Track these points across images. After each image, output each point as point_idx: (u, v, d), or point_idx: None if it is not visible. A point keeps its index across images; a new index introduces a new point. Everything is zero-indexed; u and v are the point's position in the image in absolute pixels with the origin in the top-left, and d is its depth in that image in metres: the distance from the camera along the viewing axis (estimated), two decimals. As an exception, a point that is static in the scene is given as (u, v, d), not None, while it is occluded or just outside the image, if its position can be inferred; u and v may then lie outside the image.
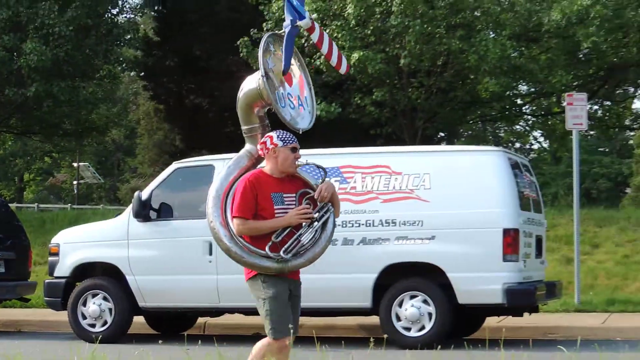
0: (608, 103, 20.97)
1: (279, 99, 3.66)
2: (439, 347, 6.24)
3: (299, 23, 3.63)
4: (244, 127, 3.73)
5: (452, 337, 7.56)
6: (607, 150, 31.16)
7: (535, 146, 23.18)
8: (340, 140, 10.98)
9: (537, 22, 15.26)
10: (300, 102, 3.92)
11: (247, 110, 3.71)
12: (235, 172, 3.65)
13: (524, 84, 17.95)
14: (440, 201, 7.38)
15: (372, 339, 4.91)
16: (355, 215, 7.40)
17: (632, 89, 20.25)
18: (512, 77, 16.33)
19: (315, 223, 3.48)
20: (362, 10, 13.44)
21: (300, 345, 4.91)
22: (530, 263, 7.68)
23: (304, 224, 3.38)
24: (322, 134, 11.85)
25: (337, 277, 7.51)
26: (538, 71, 16.04)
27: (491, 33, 14.51)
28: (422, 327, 7.27)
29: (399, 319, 7.32)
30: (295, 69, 3.94)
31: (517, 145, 20.94)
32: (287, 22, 3.63)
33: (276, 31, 4.19)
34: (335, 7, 13.97)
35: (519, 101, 18.85)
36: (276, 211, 3.41)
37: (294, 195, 3.52)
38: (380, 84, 14.47)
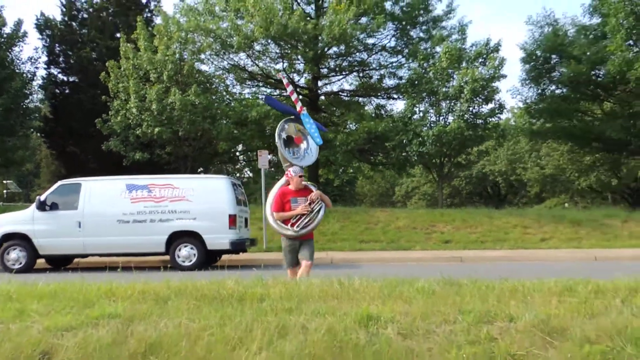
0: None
1: (293, 152, 6.81)
2: (202, 270, 11.18)
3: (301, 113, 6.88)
4: (283, 165, 6.70)
5: (207, 265, 12.53)
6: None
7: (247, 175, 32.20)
8: (149, 172, 16.72)
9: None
10: (305, 152, 6.94)
11: (283, 158, 6.73)
12: (278, 187, 6.67)
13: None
14: (199, 201, 12.48)
15: (166, 267, 10.67)
16: (157, 208, 12.42)
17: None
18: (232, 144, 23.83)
19: (312, 213, 6.37)
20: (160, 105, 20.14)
21: (135, 270, 10.52)
22: (242, 230, 13.15)
23: (305, 213, 6.37)
24: (139, 169, 19.32)
25: (150, 237, 12.31)
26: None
27: (224, 121, 21.78)
28: (191, 261, 12.33)
29: (179, 257, 12.33)
30: (300, 135, 6.92)
31: (237, 174, 29.88)
32: (292, 114, 7.04)
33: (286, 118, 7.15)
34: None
35: (237, 154, 26.74)
36: (292, 207, 6.39)
37: (303, 198, 6.44)
38: (169, 144, 21.39)
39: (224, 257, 13.79)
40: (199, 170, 25.60)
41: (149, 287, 5.36)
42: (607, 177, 40.48)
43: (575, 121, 26.29)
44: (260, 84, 26.01)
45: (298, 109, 7.02)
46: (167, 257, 12.58)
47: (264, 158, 16.76)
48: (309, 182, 6.77)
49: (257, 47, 23.37)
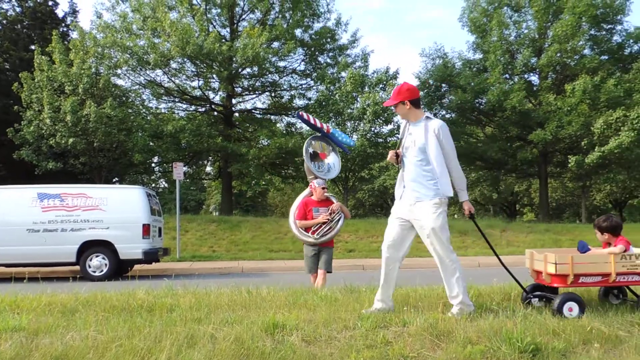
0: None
1: (318, 166, 6.69)
2: (113, 280, 10.81)
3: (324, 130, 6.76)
4: (308, 177, 6.58)
5: (118, 275, 11.87)
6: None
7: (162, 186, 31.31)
8: (62, 181, 15.34)
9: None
10: (329, 167, 6.87)
11: (308, 170, 6.56)
12: (302, 197, 6.66)
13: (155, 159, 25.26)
14: (113, 211, 11.78)
15: (75, 277, 10.04)
16: (69, 218, 11.62)
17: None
18: (148, 156, 22.97)
19: (332, 222, 6.35)
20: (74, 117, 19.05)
21: (42, 280, 9.83)
22: (155, 240, 12.50)
23: (325, 222, 6.36)
24: (52, 179, 17.89)
25: (61, 247, 11.49)
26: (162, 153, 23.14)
27: (140, 133, 21.06)
28: (102, 271, 11.60)
29: (90, 267, 11.59)
30: (325, 152, 6.86)
31: (152, 185, 29.07)
32: (319, 132, 6.77)
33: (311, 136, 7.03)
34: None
35: (153, 165, 25.84)
36: (314, 216, 6.42)
37: (325, 209, 6.49)
38: (83, 154, 20.17)
39: (136, 266, 13.18)
40: (114, 180, 24.46)
41: (55, 299, 5.00)
42: (489, 191, 43.02)
43: (462, 142, 27.68)
44: (177, 100, 25.35)
45: (325, 129, 6.96)
46: (77, 268, 11.85)
47: (179, 169, 16.31)
48: (330, 194, 6.75)
49: (174, 65, 22.83)
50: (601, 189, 39.20)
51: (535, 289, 4.92)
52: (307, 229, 6.43)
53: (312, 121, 6.86)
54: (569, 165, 23.13)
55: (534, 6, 24.26)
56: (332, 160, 7.03)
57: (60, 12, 28.61)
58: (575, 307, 4.39)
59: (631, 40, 26.02)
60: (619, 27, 25.48)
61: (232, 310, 4.75)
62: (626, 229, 19.45)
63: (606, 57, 25.33)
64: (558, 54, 23.61)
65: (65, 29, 27.20)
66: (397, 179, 4.71)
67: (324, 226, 6.37)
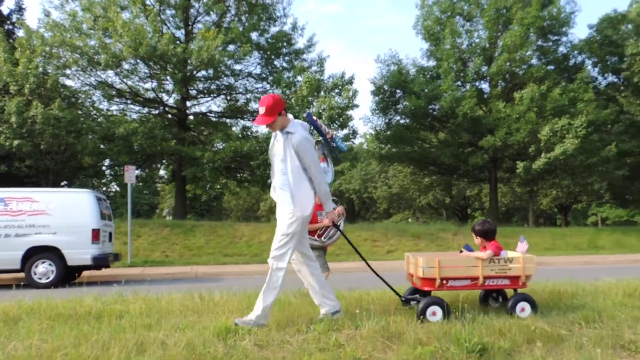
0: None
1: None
2: (59, 287, 10.35)
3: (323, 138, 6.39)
4: None
5: (65, 282, 11.42)
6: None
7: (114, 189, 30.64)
8: (6, 185, 14.91)
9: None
10: (325, 171, 5.94)
11: None
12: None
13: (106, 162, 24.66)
14: (61, 215, 11.30)
15: (19, 285, 9.63)
16: (13, 223, 11.09)
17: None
18: (98, 159, 22.45)
19: (337, 225, 5.93)
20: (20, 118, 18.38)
21: None
22: (105, 245, 12.11)
23: (330, 225, 6.15)
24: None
25: (4, 253, 10.96)
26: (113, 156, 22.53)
27: (90, 135, 20.56)
28: (49, 278, 11.07)
29: (35, 274, 11.05)
30: (323, 156, 6.15)
31: (103, 189, 28.36)
32: (320, 138, 6.09)
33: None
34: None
35: (104, 168, 25.21)
36: (319, 220, 6.29)
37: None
38: (29, 157, 19.45)
39: (85, 273, 12.81)
40: (62, 184, 23.68)
41: (-3, 308, 4.80)
42: (441, 196, 43.95)
43: (416, 147, 28.19)
44: (129, 102, 24.79)
45: (329, 135, 6.87)
46: (22, 275, 11.39)
47: (131, 173, 15.95)
48: (333, 198, 6.75)
49: (126, 66, 22.29)
50: (547, 194, 40.63)
51: (414, 292, 4.97)
52: (312, 232, 6.43)
53: (318, 124, 6.88)
54: (517, 170, 23.88)
55: (484, 16, 24.99)
56: (328, 165, 7.15)
57: (5, 9, 27.48)
58: (438, 310, 4.42)
59: (575, 52, 27.19)
60: (564, 39, 26.57)
61: (183, 316, 4.68)
62: (570, 232, 20.09)
63: (552, 67, 26.35)
64: (507, 63, 24.38)
65: (10, 27, 26.18)
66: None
67: (329, 229, 6.44)
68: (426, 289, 4.61)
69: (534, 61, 25.69)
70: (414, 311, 4.60)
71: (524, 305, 4.61)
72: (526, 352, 3.79)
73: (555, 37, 26.24)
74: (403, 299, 4.88)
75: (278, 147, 4.63)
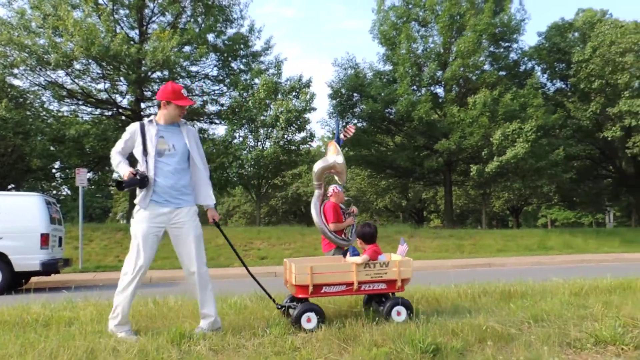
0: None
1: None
2: (4, 294, 10.04)
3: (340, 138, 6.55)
4: (315, 182, 6.21)
5: (11, 289, 10.87)
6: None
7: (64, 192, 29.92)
8: None
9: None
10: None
11: (321, 174, 6.11)
12: (319, 203, 6.33)
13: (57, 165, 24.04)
14: (7, 219, 10.88)
15: None
16: None
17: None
18: (48, 161, 21.90)
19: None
20: None
21: None
22: (55, 250, 11.64)
23: (353, 223, 6.49)
24: None
25: None
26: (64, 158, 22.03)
27: (39, 137, 19.95)
28: None
29: None
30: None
31: (53, 192, 27.66)
32: (336, 138, 6.52)
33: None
34: None
35: (54, 171, 24.66)
36: (344, 219, 6.60)
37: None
38: None
39: (33, 279, 12.35)
40: (10, 187, 22.80)
41: (-64, 317, 4.57)
42: (398, 198, 44.52)
43: (373, 151, 28.47)
44: (80, 103, 24.09)
45: (343, 138, 6.84)
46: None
47: (82, 176, 15.49)
48: (348, 198, 6.90)
49: (77, 66, 21.67)
50: (500, 197, 41.77)
51: (293, 299, 4.81)
52: (338, 232, 6.50)
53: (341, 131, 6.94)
54: (471, 173, 24.45)
55: (439, 22, 25.51)
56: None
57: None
58: (313, 317, 4.33)
59: (526, 58, 28.10)
60: (515, 46, 27.41)
61: (136, 322, 4.58)
62: (521, 234, 20.68)
63: (504, 73, 27.13)
64: (461, 69, 24.95)
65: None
66: (144, 187, 4.29)
67: (351, 227, 6.55)
68: (300, 296, 4.47)
69: (486, 67, 26.39)
70: (370, 314, 4.64)
71: (399, 309, 4.54)
72: (478, 351, 3.88)
73: (507, 44, 27.04)
74: (279, 307, 4.68)
75: (175, 141, 4.31)
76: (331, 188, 6.87)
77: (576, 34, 28.63)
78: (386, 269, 4.53)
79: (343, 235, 6.52)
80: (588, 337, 4.11)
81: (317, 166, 6.42)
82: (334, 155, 6.19)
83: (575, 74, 26.86)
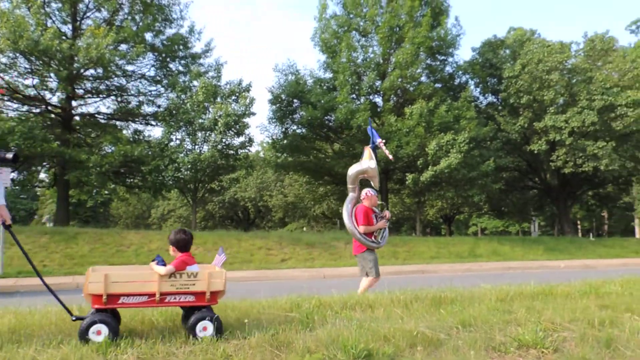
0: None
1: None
2: None
3: (376, 143, 6.61)
4: (349, 186, 6.55)
5: None
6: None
7: None
8: None
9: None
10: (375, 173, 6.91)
11: (355, 177, 6.58)
12: (350, 205, 6.64)
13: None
14: None
15: None
16: None
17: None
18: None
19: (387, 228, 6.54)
20: None
21: None
22: None
23: (384, 227, 6.62)
24: None
25: None
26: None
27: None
28: None
29: None
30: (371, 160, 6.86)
31: None
32: (371, 144, 6.68)
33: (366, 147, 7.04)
34: None
35: None
36: (375, 222, 6.64)
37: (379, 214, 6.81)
38: None
39: (-53, 285, 11.64)
40: None
41: None
42: (336, 205, 44.80)
43: (312, 157, 28.62)
44: (6, 98, 22.83)
45: (378, 142, 7.08)
46: None
47: (5, 175, 14.65)
48: (381, 202, 7.03)
49: (3, 60, 20.57)
50: (434, 205, 43.00)
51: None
52: (369, 235, 6.53)
53: (374, 132, 6.93)
54: (407, 182, 25.03)
55: (379, 33, 26.03)
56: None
57: None
58: (104, 329, 4.02)
59: (460, 72, 29.16)
60: (450, 59, 28.39)
61: (59, 330, 4.37)
62: (453, 241, 21.36)
63: (439, 85, 28.03)
64: (399, 79, 25.55)
65: None
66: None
67: (382, 231, 6.63)
68: (96, 306, 4.14)
69: (423, 79, 27.16)
70: (304, 320, 4.64)
71: (206, 324, 4.18)
72: (408, 356, 3.96)
73: (443, 57, 27.95)
74: (74, 319, 4.32)
75: None
76: (364, 192, 6.95)
77: (507, 51, 30.00)
78: (194, 280, 4.26)
79: (373, 238, 6.56)
80: (512, 341, 4.29)
81: (353, 170, 6.72)
82: (367, 160, 6.55)
83: (506, 89, 28.13)
